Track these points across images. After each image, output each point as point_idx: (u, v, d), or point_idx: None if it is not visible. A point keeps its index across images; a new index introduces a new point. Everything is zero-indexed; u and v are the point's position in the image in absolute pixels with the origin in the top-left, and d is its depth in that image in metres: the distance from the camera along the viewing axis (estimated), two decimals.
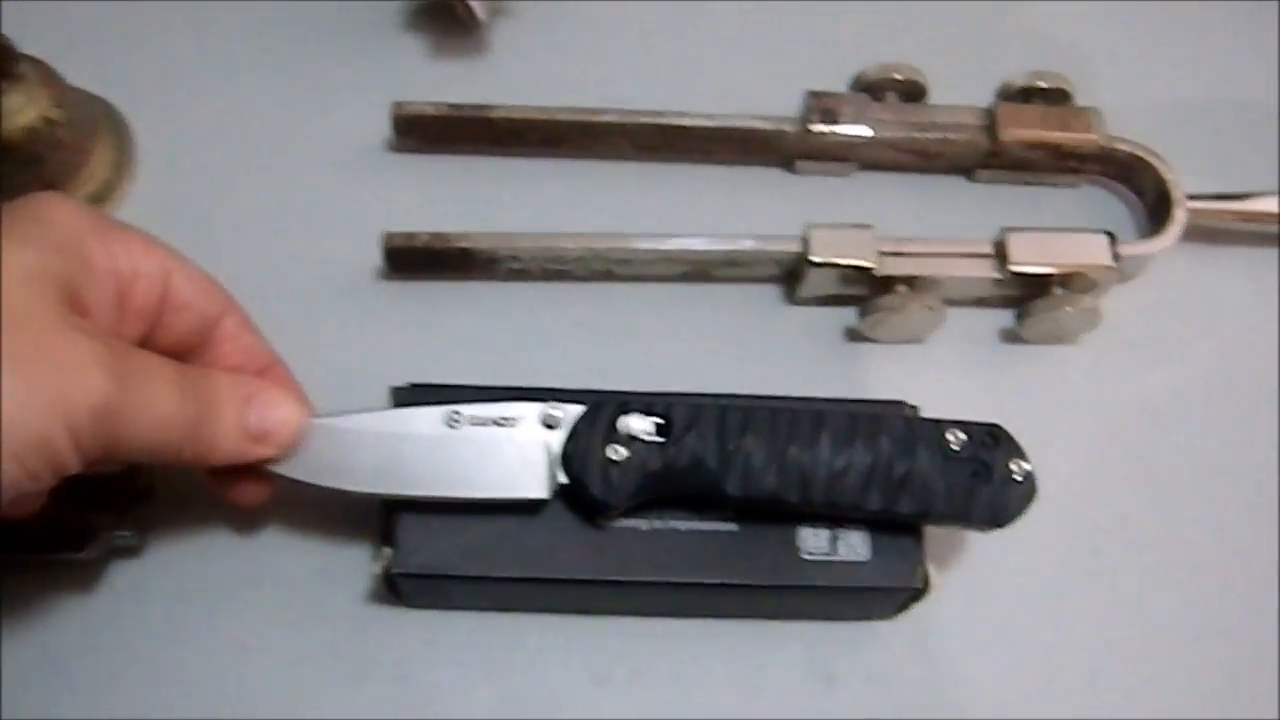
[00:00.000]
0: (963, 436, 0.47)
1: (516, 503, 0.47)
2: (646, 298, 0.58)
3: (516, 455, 0.47)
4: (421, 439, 0.47)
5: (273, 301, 0.55)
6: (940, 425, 0.47)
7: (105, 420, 0.38)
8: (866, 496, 0.46)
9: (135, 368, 0.40)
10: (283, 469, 0.47)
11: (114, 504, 0.49)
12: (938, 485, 0.46)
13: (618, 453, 0.46)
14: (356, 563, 0.52)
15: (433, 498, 0.47)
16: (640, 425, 0.47)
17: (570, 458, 0.47)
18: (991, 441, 0.47)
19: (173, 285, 0.44)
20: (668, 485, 0.47)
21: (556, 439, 0.47)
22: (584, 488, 0.46)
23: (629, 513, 0.48)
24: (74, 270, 0.40)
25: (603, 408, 0.47)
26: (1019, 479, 0.47)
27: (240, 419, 0.44)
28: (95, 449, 0.38)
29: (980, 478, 0.46)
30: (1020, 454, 0.47)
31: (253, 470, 0.47)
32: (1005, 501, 0.47)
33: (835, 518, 0.48)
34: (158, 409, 0.40)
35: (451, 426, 0.47)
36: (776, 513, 0.48)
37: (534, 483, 0.47)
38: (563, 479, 0.47)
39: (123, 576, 0.51)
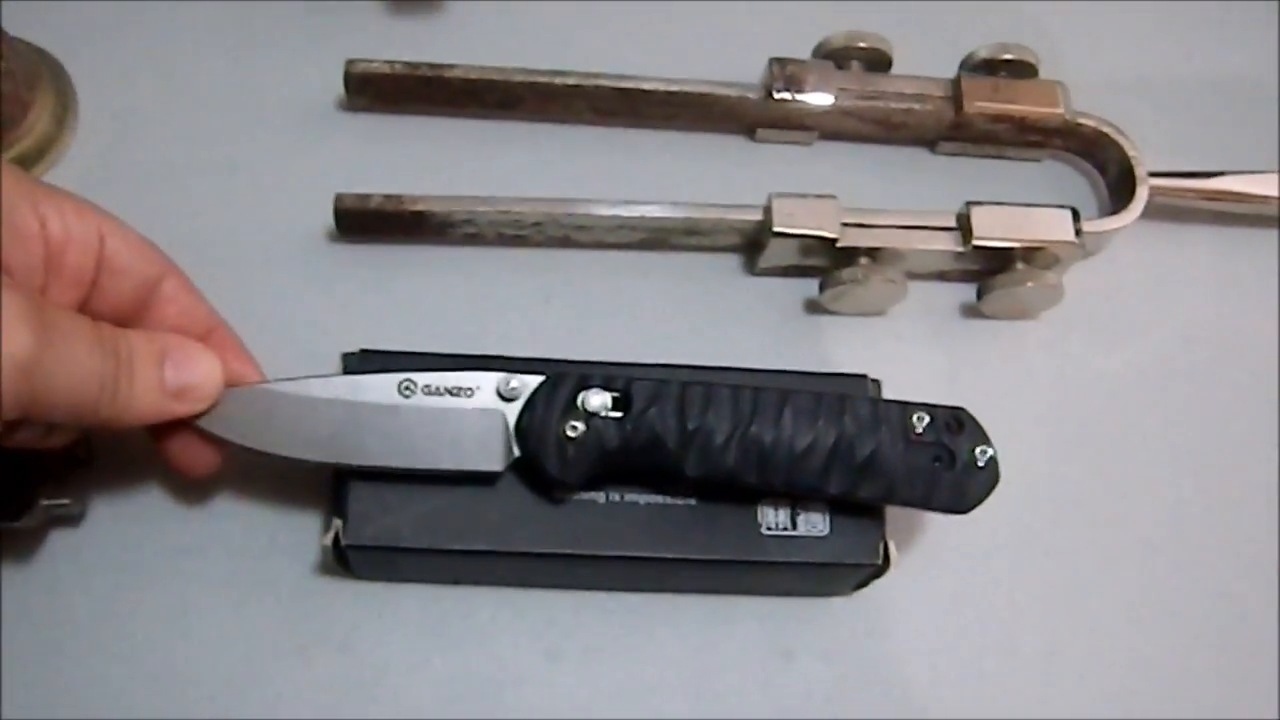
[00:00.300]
0: (926, 420, 0.46)
1: (469, 475, 0.46)
2: (604, 265, 0.57)
3: (471, 427, 0.46)
4: (374, 408, 0.46)
5: (219, 264, 0.54)
6: (905, 408, 0.46)
7: (25, 377, 0.37)
8: (827, 479, 0.45)
9: (56, 324, 0.38)
10: (231, 435, 0.45)
11: (52, 472, 0.48)
12: (900, 470, 0.46)
13: (575, 429, 0.45)
14: (305, 533, 0.51)
15: (384, 468, 0.46)
16: (599, 401, 0.45)
17: (526, 432, 0.45)
18: (956, 425, 0.46)
19: (108, 249, 0.43)
20: (625, 463, 0.46)
21: (513, 411, 0.46)
22: (539, 464, 0.45)
23: (587, 487, 0.47)
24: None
25: (561, 381, 0.46)
26: (982, 465, 0.46)
27: (157, 375, 0.42)
28: (14, 406, 0.37)
29: (943, 463, 0.46)
30: (984, 439, 0.46)
31: (198, 437, 0.45)
32: (968, 487, 0.46)
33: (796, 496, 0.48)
34: (76, 366, 0.39)
35: (405, 395, 0.46)
36: (736, 491, 0.47)
37: (488, 455, 0.46)
38: (518, 452, 0.46)
39: (63, 545, 0.50)
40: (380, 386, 0.46)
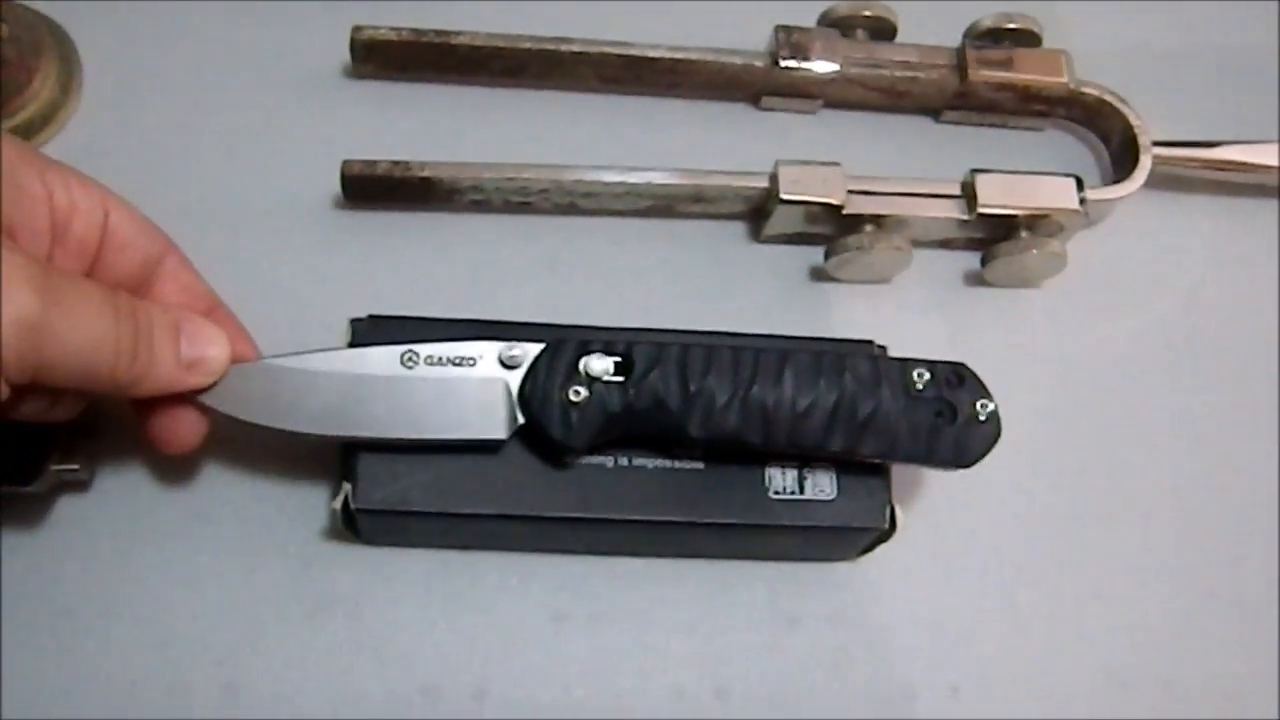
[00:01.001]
0: (927, 376, 0.46)
1: (474, 443, 0.46)
2: (610, 232, 0.57)
3: (474, 396, 0.46)
4: (377, 380, 0.46)
5: (227, 231, 0.55)
6: (905, 364, 0.47)
7: (32, 337, 0.37)
8: (830, 437, 0.46)
9: (64, 286, 0.38)
10: (235, 411, 0.45)
11: (60, 439, 0.48)
12: (901, 425, 0.46)
13: (577, 394, 0.45)
14: (314, 498, 0.51)
15: (388, 439, 0.46)
16: (601, 365, 0.46)
17: (529, 398, 0.46)
18: (956, 380, 0.47)
19: (112, 223, 0.43)
20: (629, 426, 0.46)
21: (515, 378, 0.46)
22: (543, 429, 0.45)
23: (592, 451, 0.47)
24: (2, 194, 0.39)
25: (562, 347, 0.46)
26: (983, 418, 0.46)
27: (174, 346, 0.43)
28: (22, 368, 0.37)
29: (944, 418, 0.46)
30: (985, 393, 0.47)
31: (186, 411, 0.45)
32: (969, 441, 0.46)
33: (801, 457, 0.48)
34: (89, 328, 0.39)
35: (408, 366, 0.46)
36: (740, 452, 0.47)
37: (492, 423, 0.46)
38: (522, 419, 0.46)
39: (72, 511, 0.50)
40: (383, 358, 0.46)
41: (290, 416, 0.46)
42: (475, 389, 0.46)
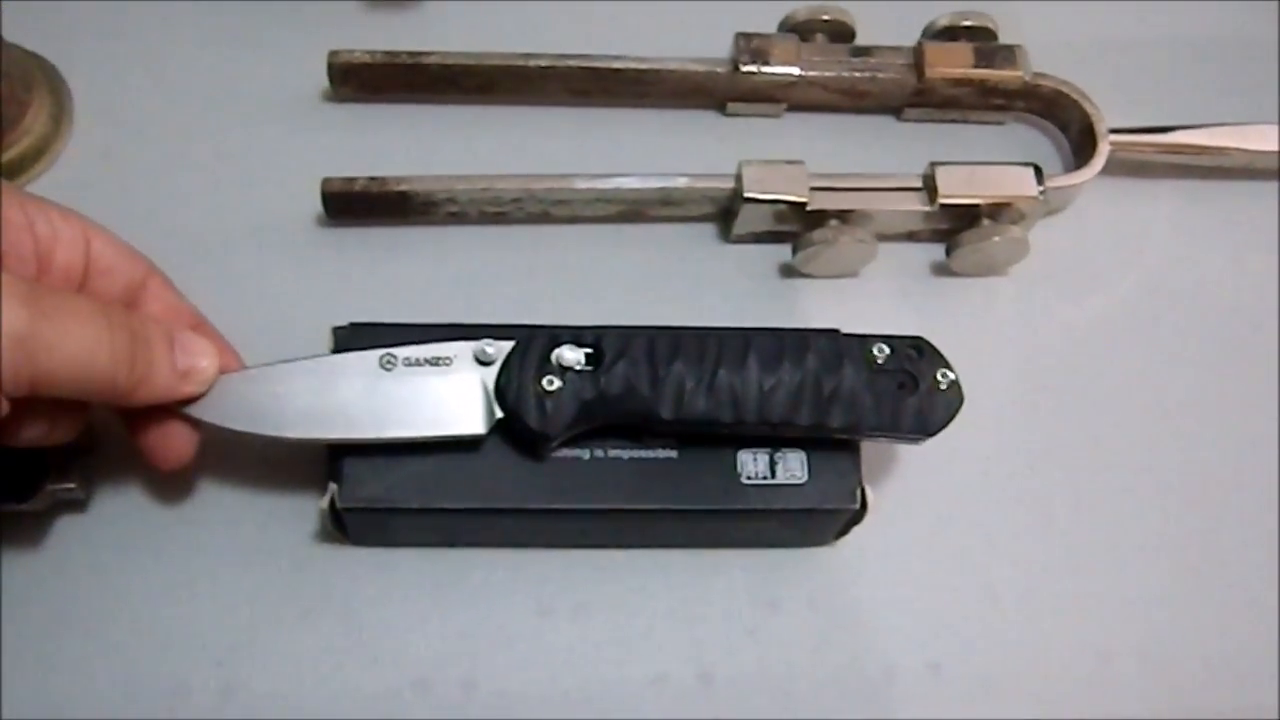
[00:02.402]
0: (887, 350, 0.48)
1: (454, 439, 0.48)
2: (584, 239, 0.59)
3: (451, 393, 0.48)
4: (357, 384, 0.48)
5: (215, 250, 0.57)
6: (865, 340, 0.48)
7: (23, 349, 0.38)
8: (797, 413, 0.47)
9: (51, 299, 0.40)
10: (221, 420, 0.47)
11: (56, 460, 0.49)
12: (865, 398, 0.47)
13: (551, 383, 0.47)
14: (304, 503, 0.52)
15: (370, 440, 0.47)
16: (572, 356, 0.47)
17: (504, 391, 0.47)
18: (915, 353, 0.48)
19: (95, 250, 0.45)
20: (603, 413, 0.48)
21: (491, 374, 0.48)
22: (520, 419, 0.47)
23: (569, 443, 0.49)
24: None
25: (534, 341, 0.48)
26: (944, 387, 0.48)
27: (170, 355, 0.44)
28: (17, 382, 0.39)
29: (906, 389, 0.48)
30: (945, 363, 0.48)
31: (178, 425, 0.47)
32: (933, 410, 0.48)
33: (772, 440, 0.49)
34: (82, 337, 0.40)
35: (386, 369, 0.48)
36: (712, 435, 0.49)
37: (471, 419, 0.48)
38: (499, 414, 0.48)
39: (71, 527, 0.52)
40: (362, 363, 0.48)
41: (275, 423, 0.48)
42: (453, 387, 0.48)
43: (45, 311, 0.39)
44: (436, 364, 0.48)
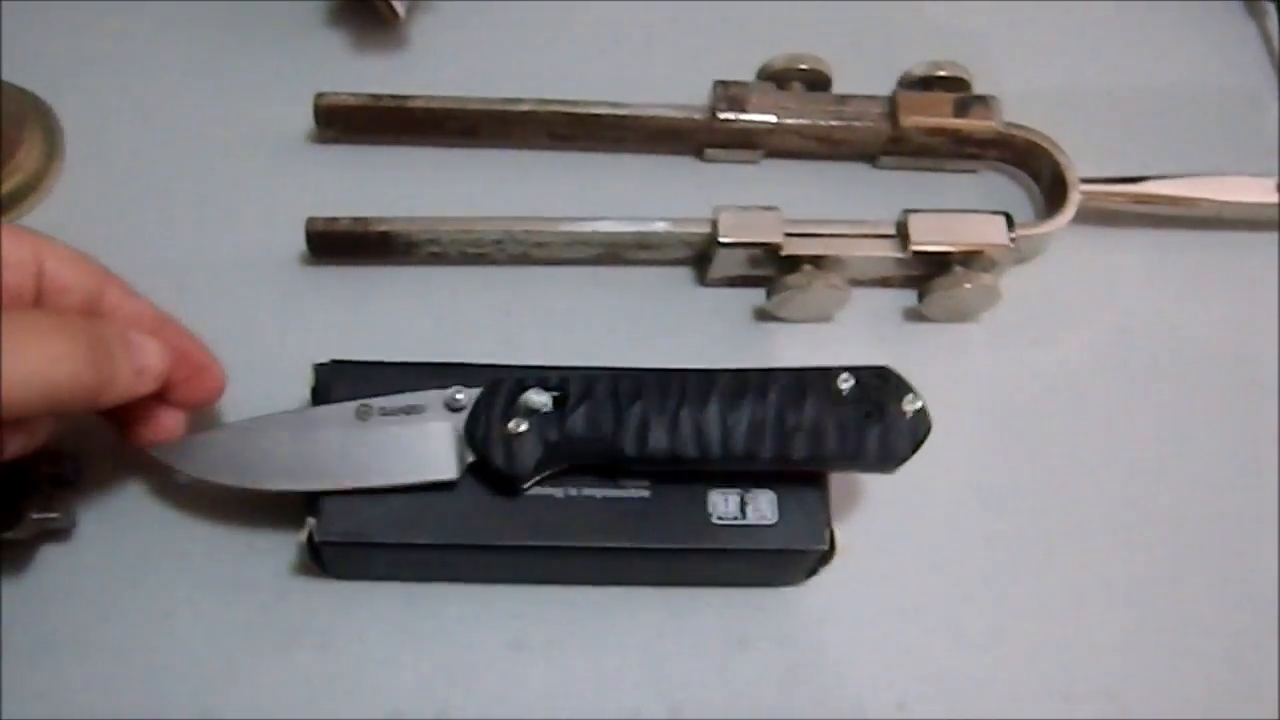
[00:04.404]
0: (851, 381, 0.49)
1: (429, 485, 0.49)
2: (562, 281, 0.60)
3: (425, 441, 0.49)
4: (334, 435, 0.49)
5: (200, 287, 0.58)
6: (828, 372, 0.49)
7: None
8: (760, 446, 0.48)
9: (9, 320, 0.40)
10: (203, 473, 0.50)
11: (41, 488, 0.50)
12: (830, 430, 0.48)
13: (519, 426, 0.48)
14: (283, 536, 0.53)
15: (347, 489, 0.49)
16: (538, 399, 0.48)
17: (474, 436, 0.49)
18: (880, 382, 0.49)
19: (47, 270, 0.45)
20: (569, 453, 0.49)
21: (461, 420, 0.49)
22: (489, 462, 0.48)
23: (543, 482, 0.50)
24: None
25: (500, 386, 0.49)
26: (910, 414, 0.49)
27: (127, 354, 0.45)
28: None
29: (872, 418, 0.48)
30: (909, 390, 0.49)
31: (161, 408, 0.48)
32: (897, 439, 0.48)
33: (741, 478, 0.50)
34: (41, 348, 0.41)
35: (361, 420, 0.49)
36: (682, 473, 0.50)
37: (444, 465, 0.49)
38: (471, 458, 0.49)
39: (54, 557, 0.53)
40: (339, 415, 0.50)
41: (255, 476, 0.50)
42: (426, 435, 0.49)
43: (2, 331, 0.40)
44: (410, 413, 0.50)
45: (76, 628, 0.52)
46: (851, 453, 0.48)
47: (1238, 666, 0.55)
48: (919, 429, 0.49)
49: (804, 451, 0.48)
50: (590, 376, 0.49)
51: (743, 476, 0.50)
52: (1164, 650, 0.55)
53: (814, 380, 0.49)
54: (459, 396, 0.49)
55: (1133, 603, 0.56)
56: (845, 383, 0.49)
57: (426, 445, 0.49)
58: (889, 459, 0.49)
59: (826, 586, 0.54)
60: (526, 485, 0.49)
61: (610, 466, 0.50)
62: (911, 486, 0.56)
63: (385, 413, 0.50)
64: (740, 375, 0.49)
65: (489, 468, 0.48)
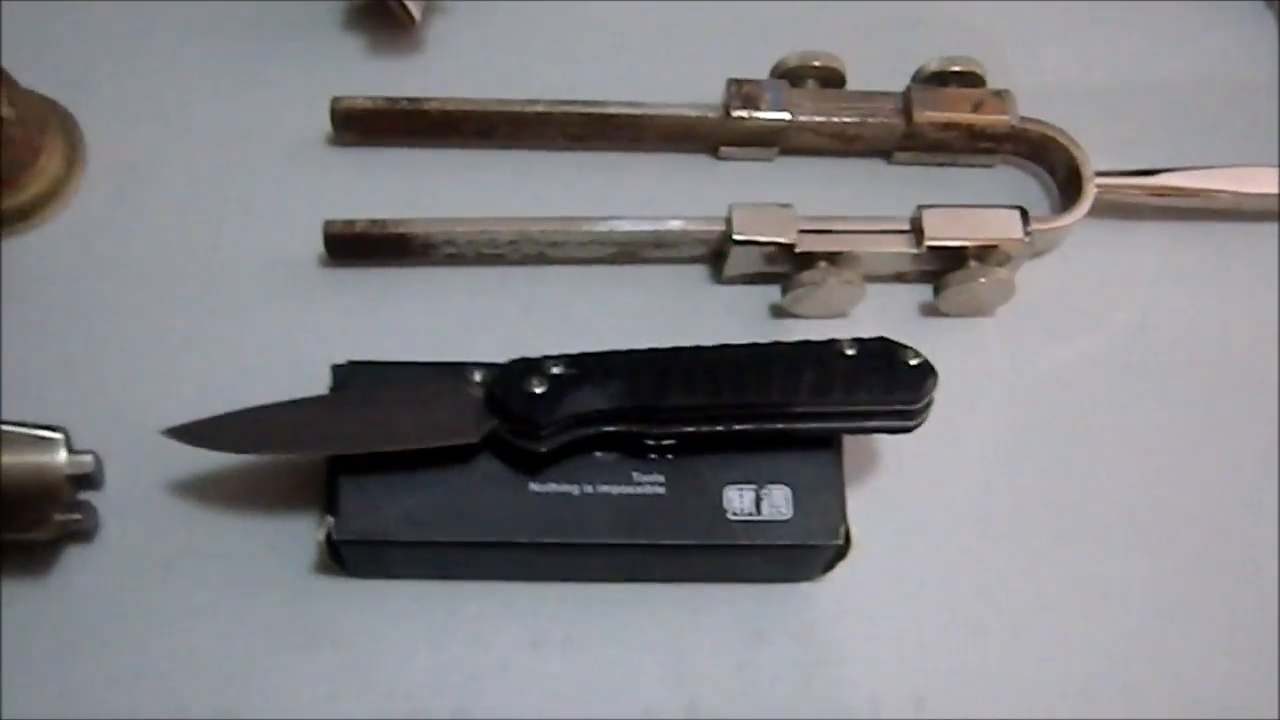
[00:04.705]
0: (854, 348, 0.51)
1: (449, 449, 0.50)
2: (578, 280, 0.60)
3: (445, 404, 0.50)
4: (355, 406, 0.51)
5: (219, 289, 0.59)
6: (832, 340, 0.51)
7: None
8: (795, 393, 0.49)
9: None
10: (223, 447, 0.50)
11: (65, 491, 0.51)
12: (837, 375, 0.50)
13: (540, 385, 0.49)
14: (303, 536, 0.54)
15: (368, 450, 0.50)
16: (556, 368, 0.50)
17: (493, 398, 0.49)
18: (879, 345, 0.51)
19: None
20: (587, 408, 0.49)
21: (484, 390, 0.50)
22: (509, 412, 0.49)
23: (558, 478, 0.50)
24: None
25: (523, 360, 0.50)
26: (916, 363, 0.50)
27: None
28: None
29: (881, 372, 0.50)
30: (909, 349, 0.51)
31: None
32: (911, 383, 0.50)
33: (757, 470, 0.51)
34: None
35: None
36: (695, 438, 0.50)
37: (464, 428, 0.50)
38: (490, 424, 0.49)
39: (76, 559, 0.53)
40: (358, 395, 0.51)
41: (276, 444, 0.51)
42: (447, 400, 0.50)
43: None
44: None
45: (99, 627, 0.52)
46: (879, 396, 0.50)
47: (1260, 663, 0.55)
48: (928, 376, 0.50)
49: (820, 400, 0.50)
50: (607, 354, 0.51)
51: (757, 464, 0.51)
52: (1181, 648, 0.55)
53: (817, 346, 0.51)
54: (477, 377, 0.50)
55: (1151, 600, 0.56)
56: (849, 348, 0.51)
57: (446, 408, 0.50)
58: (910, 402, 0.50)
59: (842, 582, 0.54)
60: (545, 447, 0.49)
61: (625, 439, 0.50)
62: (926, 481, 0.57)
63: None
64: (750, 345, 0.51)
65: (509, 420, 0.49)
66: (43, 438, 0.50)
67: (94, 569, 0.53)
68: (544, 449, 0.49)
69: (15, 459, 0.49)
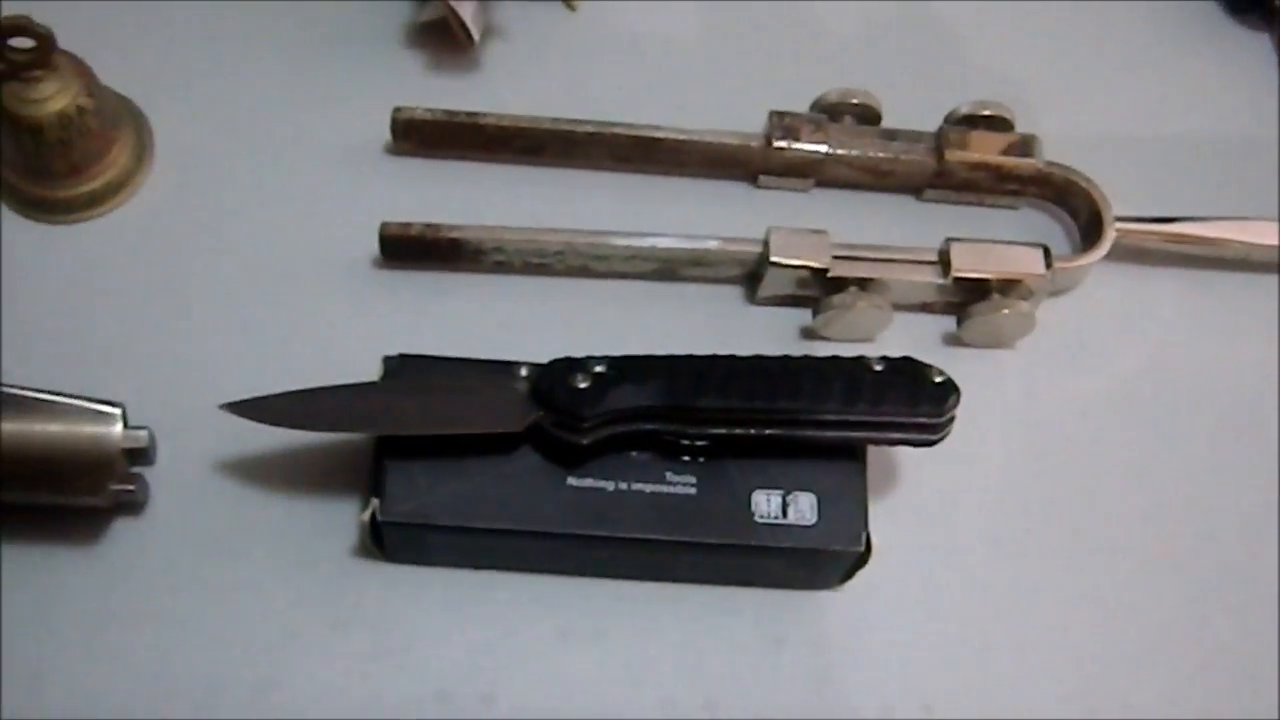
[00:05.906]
0: (879, 361, 0.53)
1: (491, 441, 0.52)
2: (619, 294, 0.63)
3: (490, 394, 0.53)
4: (404, 392, 0.53)
5: (277, 285, 0.61)
6: (860, 357, 0.53)
7: None
8: (826, 399, 0.51)
9: None
10: (277, 420, 0.52)
11: (119, 462, 0.53)
12: (870, 393, 0.52)
13: (584, 380, 0.51)
14: (344, 522, 0.56)
15: (414, 433, 0.52)
16: (600, 367, 0.52)
17: (539, 389, 0.52)
18: (905, 362, 0.53)
19: None
20: (627, 404, 0.51)
21: (528, 384, 0.53)
22: (553, 403, 0.51)
23: (594, 474, 0.52)
24: None
25: (566, 358, 0.53)
26: (940, 380, 0.53)
27: None
28: None
29: (907, 386, 0.52)
30: (934, 368, 0.53)
31: None
32: (938, 397, 0.52)
33: (785, 474, 0.53)
34: None
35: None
36: (728, 440, 0.52)
37: (508, 418, 0.52)
38: (534, 415, 0.51)
39: (126, 529, 0.55)
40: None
41: (328, 423, 0.53)
42: (492, 390, 0.53)
43: None
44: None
45: (143, 596, 0.54)
46: (905, 407, 0.52)
47: (1261, 682, 0.57)
48: (951, 393, 0.52)
49: (859, 412, 0.52)
50: (647, 357, 0.53)
51: (785, 470, 0.53)
52: (1184, 666, 0.57)
53: (848, 360, 0.54)
54: (523, 372, 0.53)
55: (1158, 625, 0.58)
56: (877, 364, 0.53)
57: (492, 398, 0.53)
58: (936, 413, 0.52)
59: (861, 592, 0.56)
60: (586, 440, 0.51)
61: (661, 439, 0.53)
62: (944, 500, 0.59)
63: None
64: (783, 357, 0.54)
65: (552, 411, 0.51)
66: (102, 412, 0.52)
67: (141, 540, 0.55)
68: (585, 441, 0.51)
69: (75, 429, 0.52)
